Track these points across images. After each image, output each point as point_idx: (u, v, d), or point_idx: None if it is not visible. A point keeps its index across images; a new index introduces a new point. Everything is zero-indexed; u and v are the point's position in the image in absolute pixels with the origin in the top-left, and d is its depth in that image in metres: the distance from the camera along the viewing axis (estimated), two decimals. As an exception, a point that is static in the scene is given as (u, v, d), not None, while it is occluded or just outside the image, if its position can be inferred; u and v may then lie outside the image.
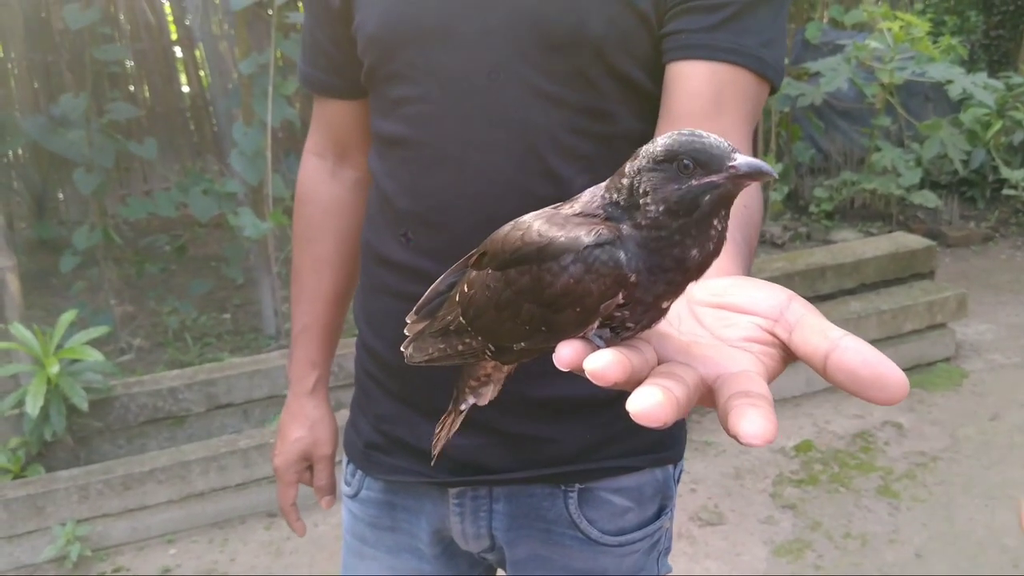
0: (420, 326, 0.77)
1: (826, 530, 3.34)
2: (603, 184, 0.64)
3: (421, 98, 1.15)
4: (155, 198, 5.26)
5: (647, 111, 1.12)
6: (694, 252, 0.58)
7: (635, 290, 0.58)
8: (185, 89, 7.89)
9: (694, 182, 0.57)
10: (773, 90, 1.10)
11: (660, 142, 0.59)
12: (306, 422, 1.46)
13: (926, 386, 4.45)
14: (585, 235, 0.58)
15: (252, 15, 4.57)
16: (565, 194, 1.11)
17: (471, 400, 0.83)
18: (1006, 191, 6.96)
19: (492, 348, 0.67)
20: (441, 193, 1.15)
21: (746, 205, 1.00)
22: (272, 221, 4.44)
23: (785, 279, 4.48)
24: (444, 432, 0.89)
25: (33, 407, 3.21)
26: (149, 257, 5.79)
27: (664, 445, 1.28)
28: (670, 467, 1.31)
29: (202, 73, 7.59)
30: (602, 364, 0.53)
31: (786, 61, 7.20)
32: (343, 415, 1.44)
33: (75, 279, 5.12)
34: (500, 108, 1.11)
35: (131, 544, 3.41)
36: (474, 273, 0.68)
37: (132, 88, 7.48)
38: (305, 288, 1.45)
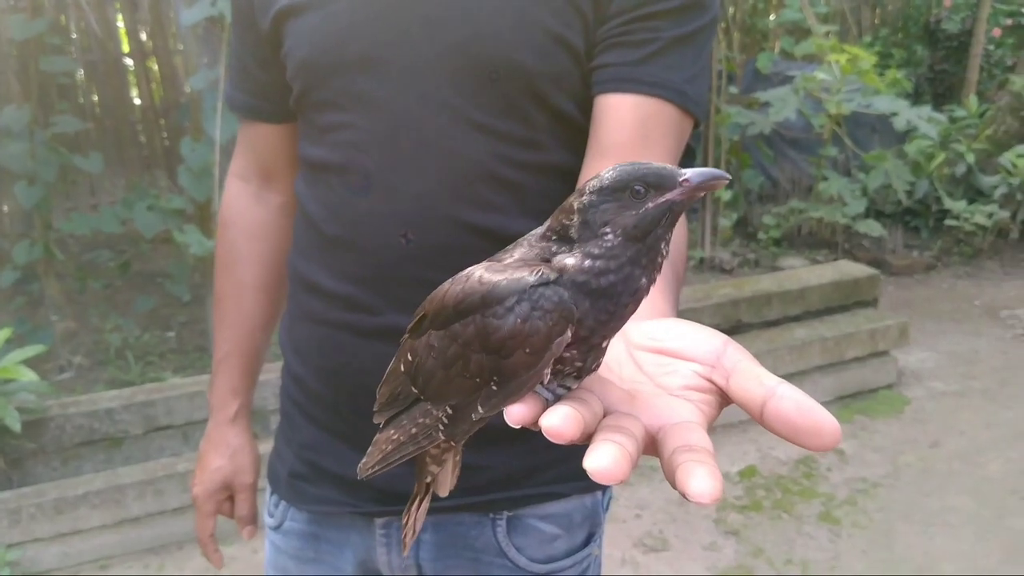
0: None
1: (768, 556, 3.36)
2: (538, 230, 0.64)
3: (351, 125, 1.14)
4: (101, 213, 5.16)
5: (576, 143, 1.13)
6: (643, 281, 0.59)
7: (580, 328, 0.58)
8: (137, 102, 7.78)
9: (650, 204, 0.58)
10: (696, 124, 1.12)
11: (607, 175, 0.60)
12: (227, 451, 1.42)
13: (868, 413, 4.51)
14: (528, 276, 0.58)
15: (204, 30, 4.52)
16: (494, 222, 1.12)
17: (435, 470, 0.80)
18: (948, 221, 7.12)
19: (446, 421, 0.65)
20: (369, 220, 1.14)
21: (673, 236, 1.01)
22: (219, 239, 4.37)
23: (732, 305, 4.53)
24: (411, 521, 0.86)
25: (-38, 427, 3.12)
26: (92, 273, 5.67)
27: None
28: (599, 494, 1.31)
29: (153, 87, 7.50)
30: (558, 422, 0.55)
31: (735, 91, 7.34)
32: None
33: (15, 294, 5.00)
34: (431, 137, 1.11)
35: (63, 570, 3.31)
36: (413, 340, 0.67)
37: (82, 100, 7.36)
38: (227, 314, 1.42)
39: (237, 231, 1.42)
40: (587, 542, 1.30)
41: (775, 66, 7.23)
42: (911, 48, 9.45)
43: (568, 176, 1.12)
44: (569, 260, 0.59)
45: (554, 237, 0.62)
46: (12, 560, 3.17)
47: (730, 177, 0.60)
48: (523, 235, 0.66)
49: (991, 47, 9.12)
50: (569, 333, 0.58)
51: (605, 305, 0.58)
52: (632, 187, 0.59)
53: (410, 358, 0.67)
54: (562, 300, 0.57)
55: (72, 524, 3.29)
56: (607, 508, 1.35)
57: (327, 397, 1.24)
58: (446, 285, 0.64)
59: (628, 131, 1.05)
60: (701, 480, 0.51)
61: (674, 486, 0.53)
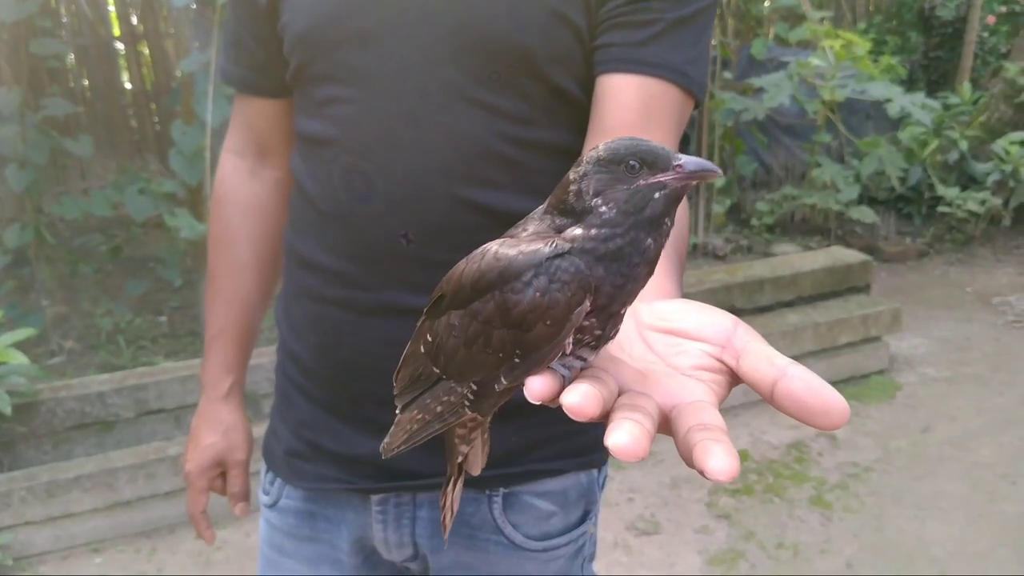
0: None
1: (759, 540, 3.37)
2: (541, 207, 0.65)
3: (348, 99, 1.13)
4: (91, 196, 5.13)
5: (577, 121, 1.12)
6: (648, 242, 0.60)
7: (598, 296, 0.58)
8: (128, 86, 7.74)
9: (642, 181, 0.59)
10: (696, 106, 1.12)
11: (604, 146, 0.61)
12: (219, 427, 1.41)
13: (860, 398, 4.53)
14: (543, 248, 0.59)
15: (195, 13, 4.49)
16: (492, 200, 1.11)
17: (464, 449, 0.80)
18: (941, 208, 7.14)
19: (471, 397, 0.65)
20: (365, 196, 1.13)
21: (675, 220, 1.01)
22: (210, 222, 4.35)
23: (725, 291, 4.53)
24: (449, 502, 0.86)
25: (-47, 410, 3.10)
26: (83, 257, 5.64)
27: (589, 449, 1.27)
28: (595, 471, 1.31)
29: (144, 70, 7.46)
30: (578, 399, 0.55)
31: (729, 76, 7.33)
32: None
33: (5, 278, 4.97)
34: (429, 112, 1.10)
35: (55, 553, 3.30)
36: (431, 321, 0.68)
37: (72, 84, 7.31)
38: (221, 291, 1.41)
39: (232, 207, 1.40)
40: (583, 519, 1.30)
41: (769, 52, 7.22)
42: (905, 35, 9.44)
43: (568, 155, 1.11)
44: (576, 231, 0.60)
45: (555, 212, 0.62)
46: (3, 543, 3.16)
47: (721, 172, 0.61)
48: (523, 213, 0.66)
49: (985, 34, 9.12)
50: (588, 303, 0.58)
51: (619, 268, 0.59)
52: (627, 161, 0.60)
53: (430, 339, 0.67)
54: (579, 270, 0.58)
55: (64, 507, 3.28)
56: (603, 486, 1.35)
57: (323, 374, 1.23)
58: (462, 264, 0.64)
59: (631, 112, 1.05)
60: (719, 458, 0.52)
61: (690, 464, 0.54)
